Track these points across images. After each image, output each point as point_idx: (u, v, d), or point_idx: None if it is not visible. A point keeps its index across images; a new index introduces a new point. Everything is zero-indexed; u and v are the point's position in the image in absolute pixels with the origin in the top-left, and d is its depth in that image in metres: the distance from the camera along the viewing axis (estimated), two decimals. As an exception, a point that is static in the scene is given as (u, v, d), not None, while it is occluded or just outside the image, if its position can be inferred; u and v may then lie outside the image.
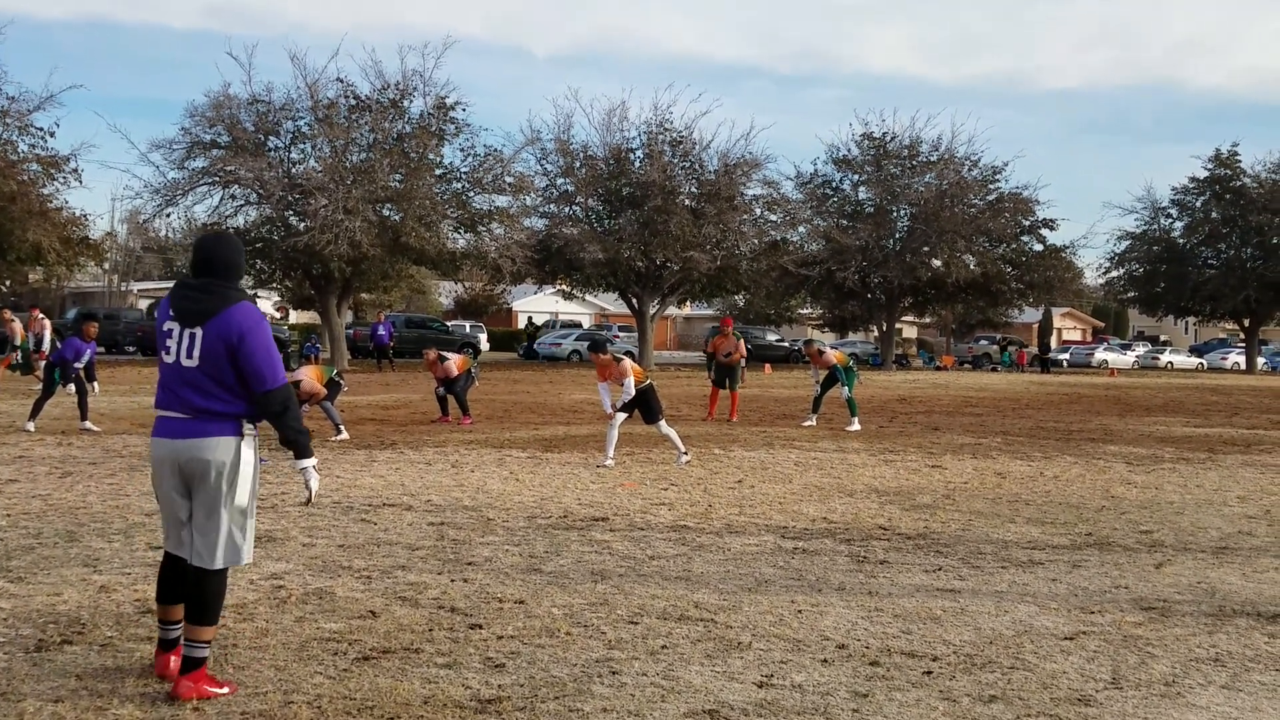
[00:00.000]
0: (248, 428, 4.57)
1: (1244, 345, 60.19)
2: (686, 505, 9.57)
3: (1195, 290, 53.28)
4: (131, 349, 38.88)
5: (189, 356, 4.47)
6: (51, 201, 34.34)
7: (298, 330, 48.60)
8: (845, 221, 46.39)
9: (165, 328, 4.56)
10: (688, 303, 56.76)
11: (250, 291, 43.49)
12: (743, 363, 19.19)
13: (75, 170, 34.45)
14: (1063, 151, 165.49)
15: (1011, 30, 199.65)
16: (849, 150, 47.59)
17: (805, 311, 64.16)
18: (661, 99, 74.69)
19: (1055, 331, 69.00)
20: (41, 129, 33.63)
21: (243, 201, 35.64)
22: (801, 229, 45.45)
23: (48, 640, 5.17)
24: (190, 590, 4.56)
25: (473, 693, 4.58)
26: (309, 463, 4.78)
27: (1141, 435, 17.46)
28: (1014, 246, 48.34)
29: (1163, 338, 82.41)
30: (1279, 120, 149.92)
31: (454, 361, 17.20)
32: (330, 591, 6.21)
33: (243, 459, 4.53)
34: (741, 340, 19.51)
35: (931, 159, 46.83)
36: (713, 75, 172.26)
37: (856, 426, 17.08)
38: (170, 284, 57.75)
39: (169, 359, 4.53)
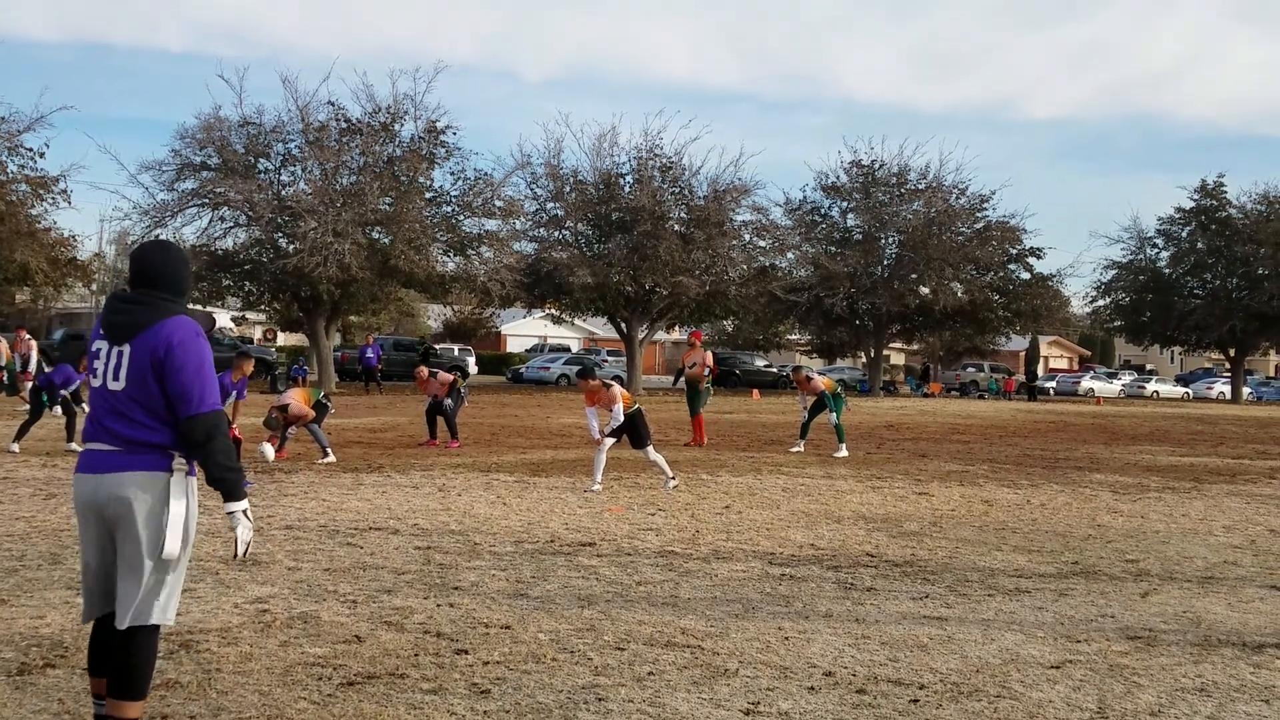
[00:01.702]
0: (179, 463, 3.99)
1: (1229, 375, 60.50)
2: (674, 531, 9.55)
3: (1181, 320, 53.60)
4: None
5: (115, 378, 3.95)
6: (40, 222, 34.32)
7: (285, 352, 48.49)
8: (834, 248, 46.59)
9: (95, 347, 4.06)
10: (676, 327, 56.85)
11: (241, 314, 43.46)
12: (708, 376, 18.81)
13: (64, 191, 34.47)
14: (1049, 180, 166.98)
15: (999, 58, 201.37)
16: (838, 177, 47.94)
17: (794, 337, 64.32)
18: (652, 125, 75.19)
19: (1042, 360, 69.30)
20: (31, 149, 33.68)
21: (232, 223, 35.73)
22: (790, 255, 45.65)
23: (30, 664, 5.14)
24: (113, 655, 3.97)
25: (458, 718, 4.56)
26: (239, 506, 4.06)
27: (1127, 464, 17.51)
28: (1001, 274, 48.62)
29: (1149, 367, 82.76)
30: (1265, 151, 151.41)
31: (444, 374, 17.38)
32: (315, 616, 6.18)
33: (172, 499, 3.93)
34: (709, 354, 19.42)
35: (919, 187, 47.13)
36: (702, 99, 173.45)
37: (844, 453, 17.11)
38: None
39: (96, 383, 4.02)
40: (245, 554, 4.17)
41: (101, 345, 4.03)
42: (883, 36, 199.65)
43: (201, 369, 3.96)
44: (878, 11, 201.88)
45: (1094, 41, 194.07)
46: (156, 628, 3.97)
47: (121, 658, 3.94)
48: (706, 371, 18.80)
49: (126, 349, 3.96)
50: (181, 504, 3.97)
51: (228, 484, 4.02)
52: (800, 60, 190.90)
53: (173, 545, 3.91)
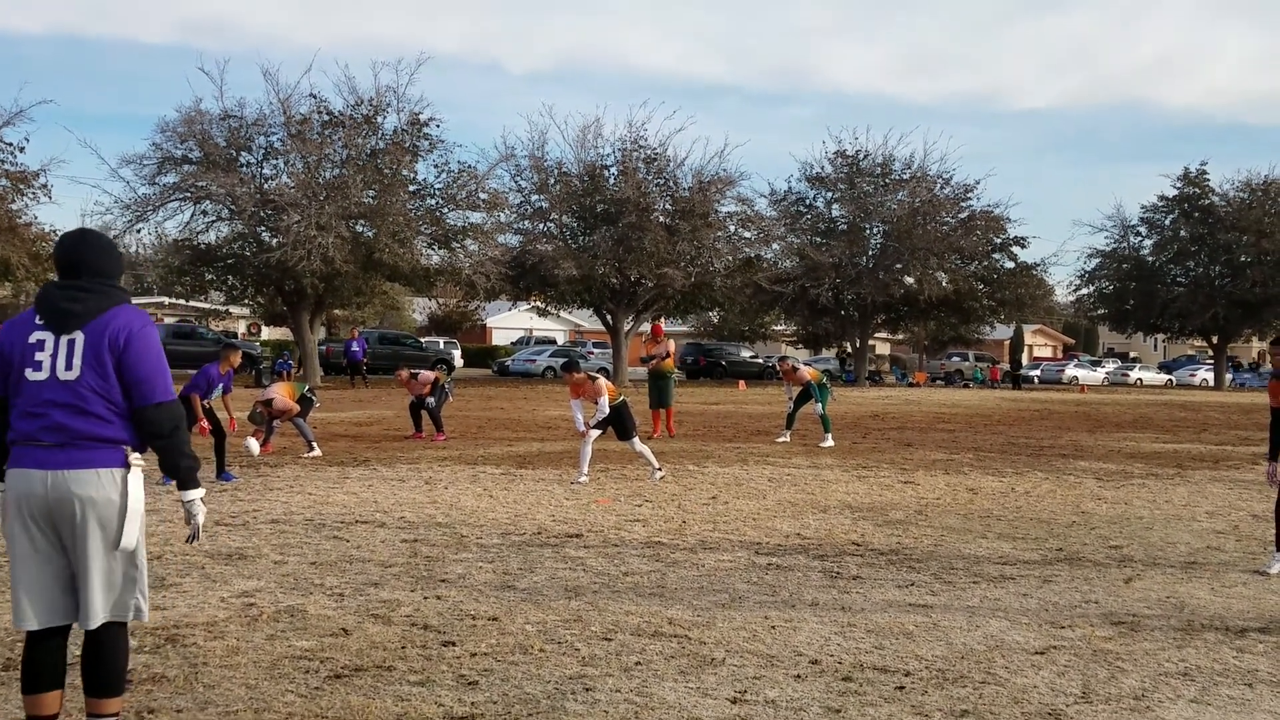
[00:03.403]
0: (134, 457, 3.88)
1: (1212, 362, 60.80)
2: (660, 521, 9.57)
3: (1164, 308, 53.83)
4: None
5: (68, 368, 3.78)
6: (20, 217, 34.07)
7: (270, 346, 48.34)
8: (819, 238, 46.64)
9: (33, 339, 3.83)
10: (662, 319, 56.88)
11: (224, 308, 43.29)
12: (674, 371, 18.95)
13: (45, 186, 34.22)
14: (1034, 170, 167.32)
15: (984, 50, 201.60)
16: (822, 168, 47.96)
17: (779, 328, 64.34)
18: (636, 116, 75.16)
19: (1026, 348, 69.54)
20: (10, 144, 33.40)
21: (214, 217, 35.55)
22: (775, 246, 45.62)
23: (15, 660, 5.11)
24: (87, 655, 3.91)
25: (446, 710, 4.56)
26: (196, 494, 4.02)
27: (1111, 451, 17.59)
28: (985, 264, 48.75)
29: (1132, 354, 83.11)
30: (1247, 139, 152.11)
31: (426, 372, 17.36)
32: (302, 609, 6.17)
33: (131, 495, 3.84)
34: (670, 341, 19.55)
35: (904, 177, 47.20)
36: (688, 92, 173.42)
37: (830, 443, 17.14)
38: (140, 300, 56.71)
39: (39, 376, 3.79)
40: (198, 537, 4.13)
41: (44, 336, 3.83)
42: (870, 30, 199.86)
43: (160, 357, 3.91)
44: (865, 6, 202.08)
45: (1080, 33, 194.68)
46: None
47: (98, 657, 3.89)
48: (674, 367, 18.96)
49: (79, 336, 3.81)
50: (139, 499, 3.89)
51: (186, 473, 3.98)
52: (787, 54, 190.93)
53: (130, 539, 3.84)
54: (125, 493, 3.84)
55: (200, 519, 4.07)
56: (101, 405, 3.81)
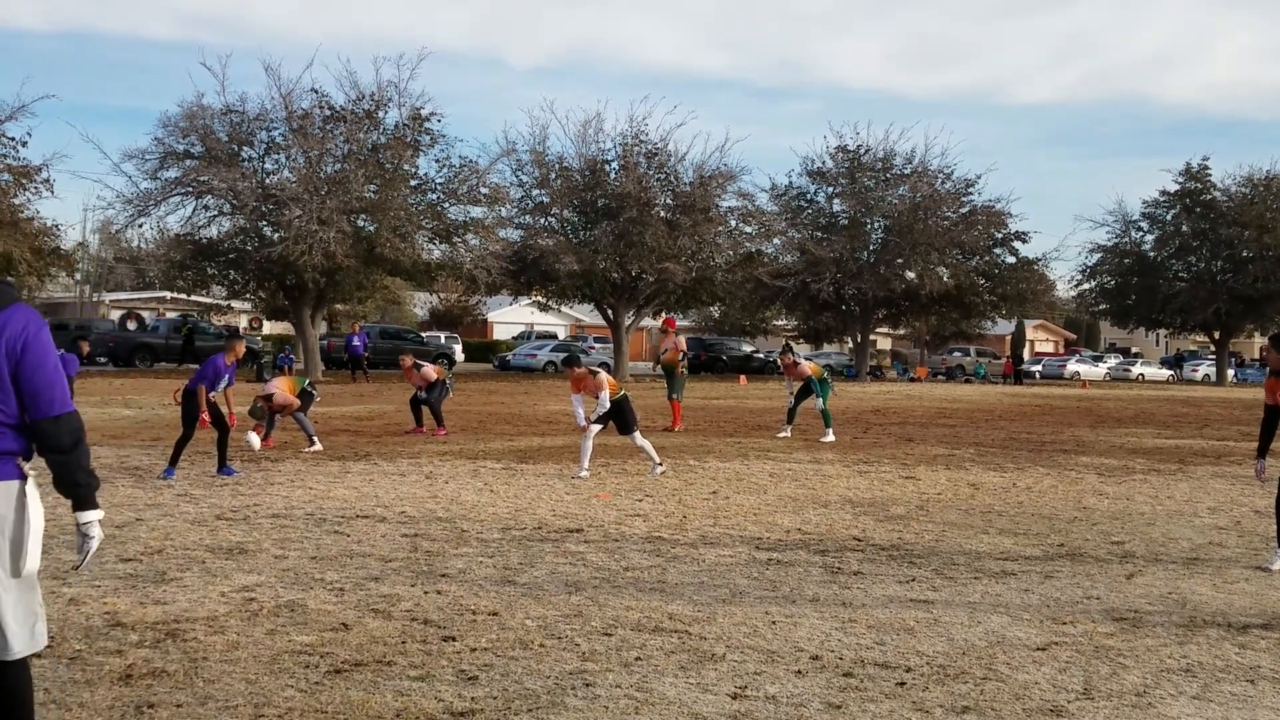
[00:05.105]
0: (29, 467, 3.48)
1: (1214, 357, 60.78)
2: (661, 516, 9.56)
3: (1166, 303, 53.79)
4: (103, 360, 38.55)
5: None
6: (23, 212, 34.13)
7: (271, 341, 48.36)
8: (820, 233, 46.61)
9: None
10: (663, 314, 56.83)
11: (225, 302, 43.30)
12: (684, 361, 19.14)
13: (47, 180, 34.28)
14: (1035, 164, 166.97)
15: (984, 44, 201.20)
16: (823, 163, 47.91)
17: (780, 323, 64.32)
18: (637, 111, 75.08)
19: (1028, 343, 69.51)
20: (13, 139, 33.45)
21: (216, 212, 35.61)
22: (776, 241, 45.63)
23: None
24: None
25: (445, 705, 4.56)
26: (94, 515, 3.58)
27: (1113, 447, 17.57)
28: (987, 259, 48.74)
29: (1134, 350, 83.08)
30: (1248, 134, 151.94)
31: (430, 368, 17.24)
32: (302, 604, 6.17)
33: (29, 510, 3.42)
34: (680, 338, 19.65)
35: (905, 172, 47.16)
36: (688, 86, 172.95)
37: (831, 438, 17.13)
38: (141, 295, 56.43)
39: None
40: (84, 564, 3.67)
41: None
42: (870, 23, 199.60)
43: (57, 363, 3.51)
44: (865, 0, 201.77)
45: (1081, 27, 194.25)
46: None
47: (8, 694, 3.45)
48: (681, 356, 19.07)
49: None
50: (40, 514, 3.48)
51: (86, 490, 3.55)
52: (787, 47, 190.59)
53: (33, 559, 3.42)
54: (24, 508, 3.43)
55: (95, 544, 3.61)
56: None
